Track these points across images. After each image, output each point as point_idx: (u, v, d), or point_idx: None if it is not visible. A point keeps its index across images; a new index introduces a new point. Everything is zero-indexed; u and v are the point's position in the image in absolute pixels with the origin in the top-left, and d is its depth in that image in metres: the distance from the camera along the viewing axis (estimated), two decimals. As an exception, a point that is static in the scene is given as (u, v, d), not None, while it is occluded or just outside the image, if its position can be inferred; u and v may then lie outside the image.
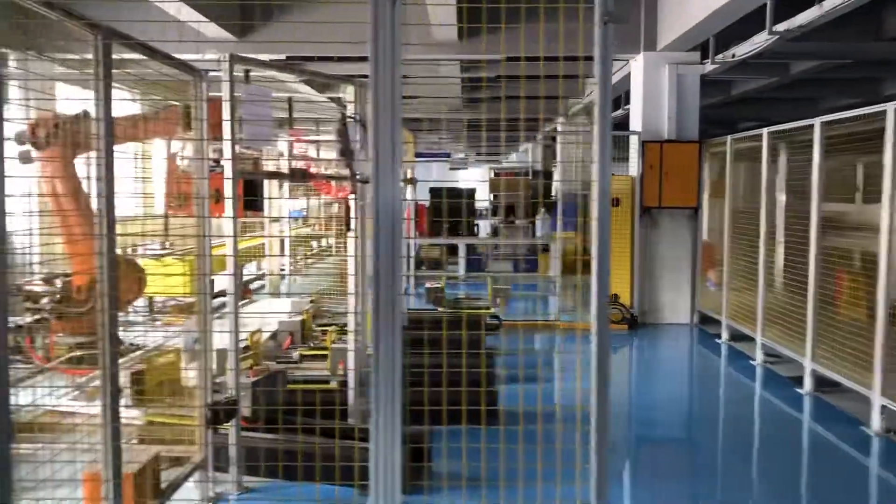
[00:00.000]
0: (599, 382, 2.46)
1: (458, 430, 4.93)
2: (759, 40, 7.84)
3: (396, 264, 2.48)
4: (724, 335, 9.04)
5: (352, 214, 5.49)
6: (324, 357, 6.57)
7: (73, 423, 5.71)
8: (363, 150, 5.49)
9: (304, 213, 13.79)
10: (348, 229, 5.52)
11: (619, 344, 9.16)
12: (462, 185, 23.90)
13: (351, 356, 5.54)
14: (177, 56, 4.23)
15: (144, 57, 3.78)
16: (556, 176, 18.71)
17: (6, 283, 2.54)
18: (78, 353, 7.29)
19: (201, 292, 4.45)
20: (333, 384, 5.88)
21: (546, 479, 3.81)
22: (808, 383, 6.82)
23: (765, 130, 7.90)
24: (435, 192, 16.79)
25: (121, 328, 8.19)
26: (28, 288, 7.72)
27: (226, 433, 4.60)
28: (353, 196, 5.41)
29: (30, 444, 4.88)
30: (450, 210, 15.36)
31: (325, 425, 4.75)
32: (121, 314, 8.83)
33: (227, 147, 4.47)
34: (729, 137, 9.09)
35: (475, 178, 29.00)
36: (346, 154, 5.26)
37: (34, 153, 7.83)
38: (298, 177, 5.09)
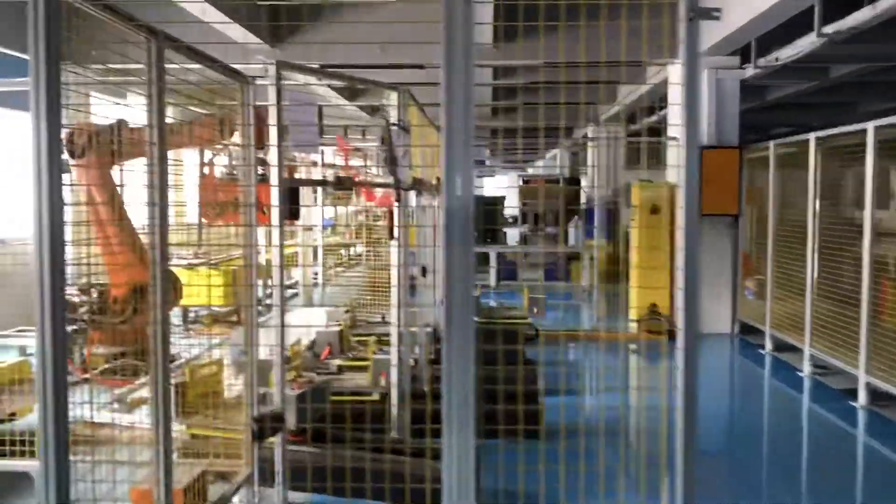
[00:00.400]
0: (687, 399, 2.31)
1: (499, 444, 4.81)
2: (806, 43, 7.64)
3: (469, 274, 2.36)
4: (768, 345, 8.81)
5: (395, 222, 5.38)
6: (363, 368, 6.46)
7: (114, 436, 5.64)
8: (406, 157, 5.38)
9: (333, 222, 13.75)
10: (391, 238, 5.41)
11: (659, 354, 8.96)
12: (489, 192, 23.79)
13: (394, 368, 5.42)
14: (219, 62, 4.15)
15: (195, 63, 3.69)
16: (586, 183, 18.55)
17: (64, 295, 2.45)
18: (115, 364, 7.24)
19: (247, 303, 4.35)
20: (375, 396, 5.77)
21: (610, 497, 3.66)
22: (862, 396, 6.59)
23: (812, 136, 7.69)
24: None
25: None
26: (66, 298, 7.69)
27: (271, 447, 4.50)
28: (396, 204, 5.30)
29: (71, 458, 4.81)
30: (478, 218, 15.22)
31: (375, 439, 4.63)
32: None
33: (273, 154, 4.38)
34: (772, 143, 8.88)
35: (500, 186, 28.87)
36: (391, 161, 5.16)
37: (70, 162, 7.82)
38: (344, 184, 5.00)
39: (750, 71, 9.28)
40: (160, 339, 3.18)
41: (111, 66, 3.19)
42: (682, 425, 2.33)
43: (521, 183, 19.21)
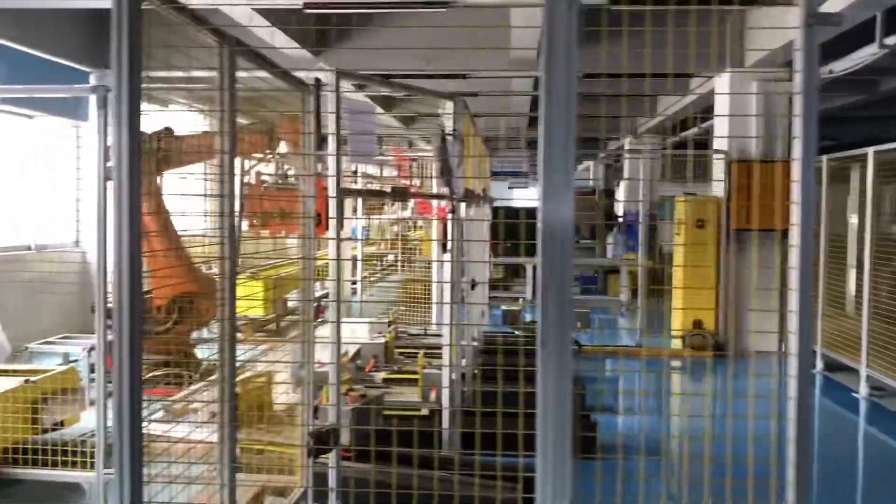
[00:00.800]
0: (800, 430, 2.16)
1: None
2: (865, 54, 7.45)
3: (566, 287, 2.23)
4: (819, 364, 8.57)
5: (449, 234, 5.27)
6: (408, 381, 6.35)
7: (165, 449, 5.56)
8: (461, 167, 5.28)
9: (367, 232, 13.67)
10: (444, 250, 5.30)
11: (703, 372, 8.76)
12: (520, 203, 23.60)
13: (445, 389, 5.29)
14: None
15: (259, 70, 3.61)
16: (622, 195, 18.34)
17: (142, 301, 2.35)
18: (158, 373, 7.19)
19: (305, 316, 4.26)
20: (424, 411, 5.64)
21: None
22: (925, 420, 6.37)
23: (870, 149, 7.48)
24: (498, 211, 16.52)
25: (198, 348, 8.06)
26: (109, 306, 7.66)
27: (325, 463, 4.39)
28: (451, 215, 5.19)
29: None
30: (513, 230, 15.05)
31: (437, 458, 4.50)
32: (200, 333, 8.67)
33: (331, 163, 4.29)
34: (825, 157, 8.66)
35: (529, 197, 28.68)
36: (446, 171, 5.05)
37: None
38: (401, 195, 4.91)
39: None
40: (228, 352, 3.09)
41: (180, 73, 3.11)
42: (795, 458, 2.18)
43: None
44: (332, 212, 4.39)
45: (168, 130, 7.52)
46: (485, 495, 3.98)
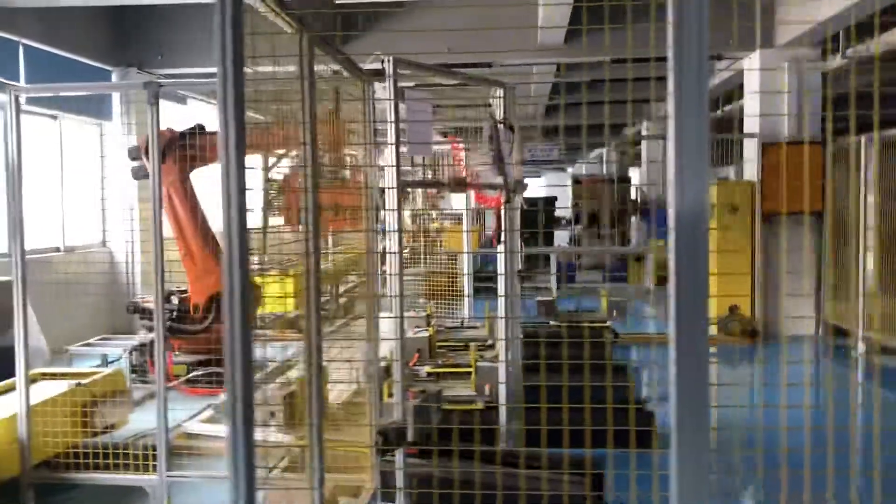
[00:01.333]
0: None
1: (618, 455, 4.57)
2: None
3: (702, 277, 2.13)
4: (861, 347, 8.46)
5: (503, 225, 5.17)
6: (456, 375, 6.27)
7: (214, 448, 5.49)
8: (512, 156, 5.17)
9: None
10: (499, 242, 5.20)
11: (741, 358, 8.67)
12: (538, 192, 23.48)
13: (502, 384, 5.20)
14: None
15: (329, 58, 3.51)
16: (638, 181, 18.21)
17: (249, 296, 2.24)
18: (200, 372, 7.10)
19: (370, 314, 4.17)
20: (479, 405, 5.56)
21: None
22: (983, 402, 6.27)
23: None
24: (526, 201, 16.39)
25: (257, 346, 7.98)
26: (144, 306, 7.58)
27: (391, 461, 4.31)
28: (505, 205, 5.09)
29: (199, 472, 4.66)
30: (531, 219, 14.93)
31: (502, 452, 4.41)
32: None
33: (391, 154, 4.19)
34: (863, 137, 8.54)
35: (546, 185, 28.56)
36: (499, 160, 4.95)
37: (148, 168, 7.66)
38: (458, 185, 4.81)
39: (835, 63, 8.94)
40: (314, 352, 3.00)
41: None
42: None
43: (574, 182, 18.87)
44: (392, 204, 4.29)
45: (200, 128, 7.42)
46: (557, 492, 3.90)
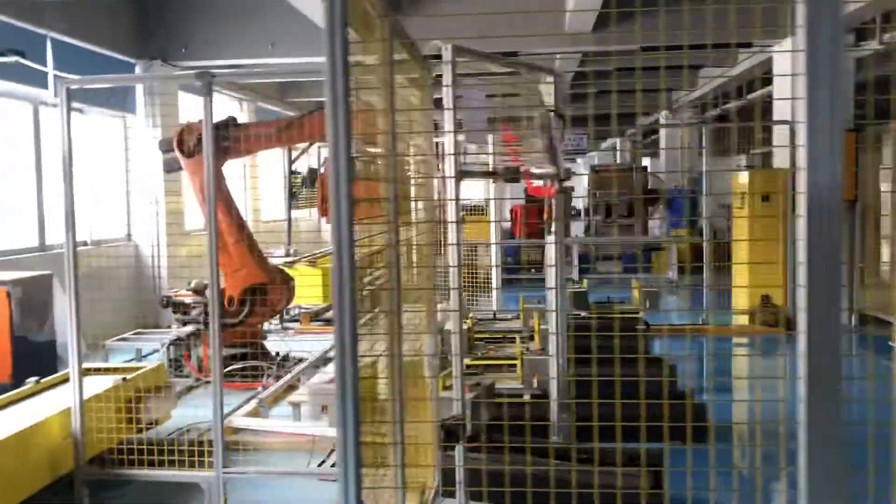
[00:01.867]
0: None
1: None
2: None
3: (835, 265, 2.06)
4: (899, 337, 8.36)
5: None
6: (496, 366, 6.21)
7: (266, 443, 5.43)
8: (563, 145, 5.08)
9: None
10: (548, 232, 5.11)
11: (776, 349, 8.59)
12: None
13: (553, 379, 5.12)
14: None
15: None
16: (654, 169, 18.08)
17: (355, 290, 2.17)
18: (235, 366, 7.02)
19: (430, 309, 4.09)
20: (527, 397, 5.49)
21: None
22: None
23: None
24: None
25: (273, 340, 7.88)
26: (178, 299, 7.51)
27: (451, 456, 4.24)
28: (557, 194, 5.00)
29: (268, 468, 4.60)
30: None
31: (555, 446, 4.34)
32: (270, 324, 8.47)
33: (448, 142, 4.12)
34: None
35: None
36: (551, 149, 4.86)
37: (182, 161, 7.58)
38: (511, 174, 4.74)
39: (869, 49, 8.82)
40: (396, 345, 2.92)
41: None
42: None
43: (592, 171, 18.71)
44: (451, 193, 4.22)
45: (233, 120, 7.34)
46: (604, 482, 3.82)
